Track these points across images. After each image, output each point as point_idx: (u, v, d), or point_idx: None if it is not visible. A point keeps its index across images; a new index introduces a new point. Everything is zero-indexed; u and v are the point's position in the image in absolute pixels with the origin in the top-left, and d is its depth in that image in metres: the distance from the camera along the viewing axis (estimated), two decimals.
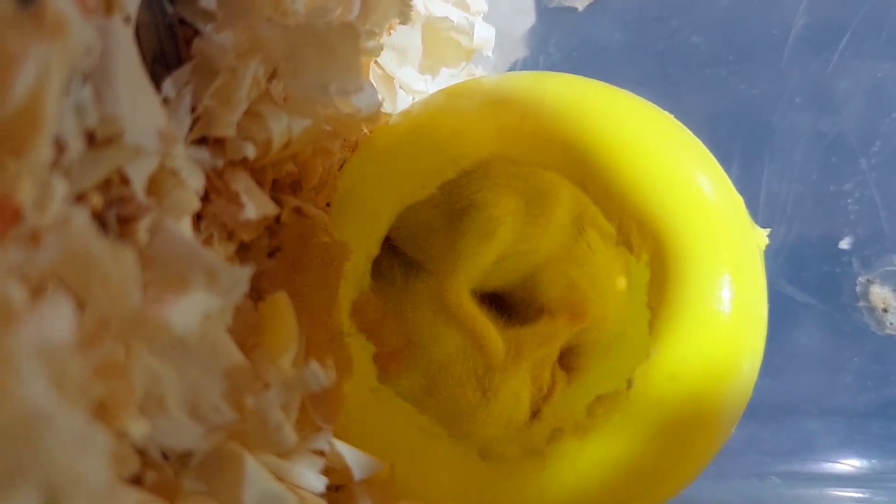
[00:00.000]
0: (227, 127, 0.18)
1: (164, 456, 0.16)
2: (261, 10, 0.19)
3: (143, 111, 0.14)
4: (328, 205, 0.23)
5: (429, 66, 0.26)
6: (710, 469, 0.31)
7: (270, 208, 0.20)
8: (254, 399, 0.18)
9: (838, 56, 0.31)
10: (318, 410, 0.21)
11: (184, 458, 0.17)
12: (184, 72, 0.17)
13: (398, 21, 0.24)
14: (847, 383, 0.31)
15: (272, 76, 0.20)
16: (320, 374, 0.19)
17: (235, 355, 0.18)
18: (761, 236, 0.25)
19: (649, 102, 0.24)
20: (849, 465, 0.31)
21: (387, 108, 0.25)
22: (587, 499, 0.20)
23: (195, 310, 0.14)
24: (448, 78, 0.28)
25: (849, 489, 0.31)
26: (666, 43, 0.32)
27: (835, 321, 0.31)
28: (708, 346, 0.21)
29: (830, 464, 0.31)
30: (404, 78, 0.26)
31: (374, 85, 0.24)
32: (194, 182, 0.18)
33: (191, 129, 0.19)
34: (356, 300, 0.21)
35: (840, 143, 0.31)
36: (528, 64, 0.32)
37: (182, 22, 0.18)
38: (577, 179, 0.21)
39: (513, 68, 0.32)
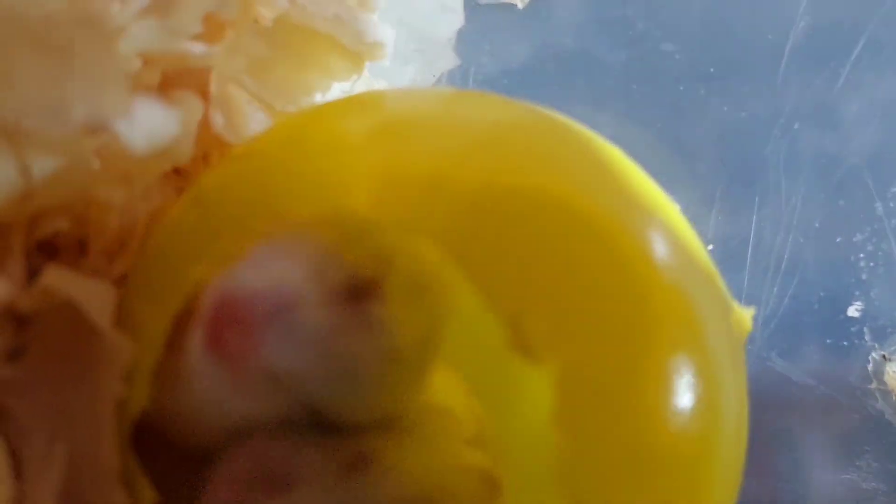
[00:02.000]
0: None
1: None
2: None
3: None
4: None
5: (304, 81, 0.21)
6: None
7: None
8: None
9: (849, 69, 0.28)
10: None
11: None
12: None
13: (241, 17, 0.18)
14: (853, 485, 0.28)
15: None
16: None
17: None
18: (743, 320, 0.20)
19: (592, 134, 0.19)
20: None
21: (239, 136, 0.19)
22: None
23: None
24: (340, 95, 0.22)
25: None
26: (630, 51, 0.28)
27: (841, 407, 0.28)
28: (652, 483, 0.16)
29: None
30: (268, 96, 0.20)
31: (207, 104, 0.18)
32: None
33: None
34: (140, 423, 0.15)
35: (851, 182, 0.28)
36: (455, 77, 0.28)
37: None
38: (457, 248, 0.16)
39: (437, 83, 0.28)
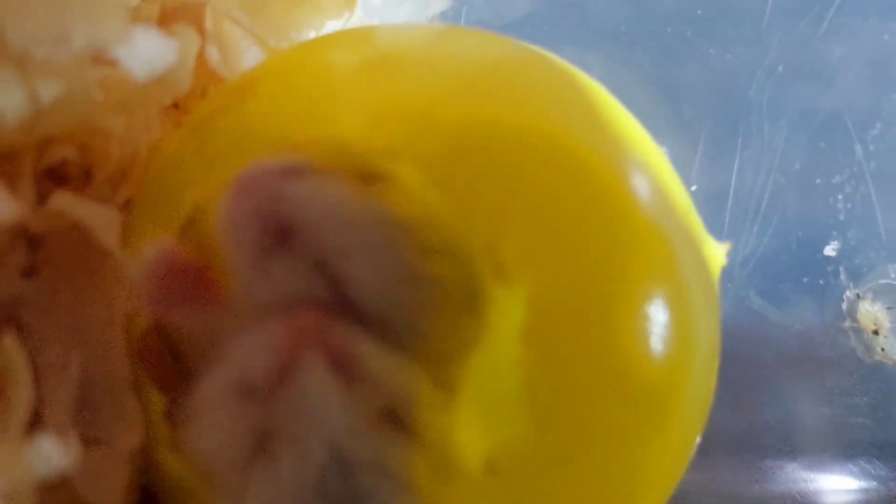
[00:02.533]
0: None
1: None
2: None
3: None
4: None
5: (296, 18, 0.21)
6: None
7: (7, 209, 0.15)
8: None
9: (833, 13, 0.28)
10: (89, 487, 0.16)
11: None
12: None
13: None
14: (826, 418, 0.28)
15: None
16: (53, 451, 0.14)
17: None
18: (718, 253, 0.20)
19: (575, 70, 0.19)
20: None
21: (233, 70, 0.20)
22: None
23: None
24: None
25: None
26: None
27: (815, 344, 0.28)
28: (617, 407, 0.17)
29: None
30: (261, 32, 0.20)
31: (201, 37, 0.18)
32: None
33: None
34: (144, 335, 0.16)
35: (831, 125, 0.28)
36: (447, 19, 0.28)
37: None
38: (438, 176, 0.16)
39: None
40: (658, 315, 0.17)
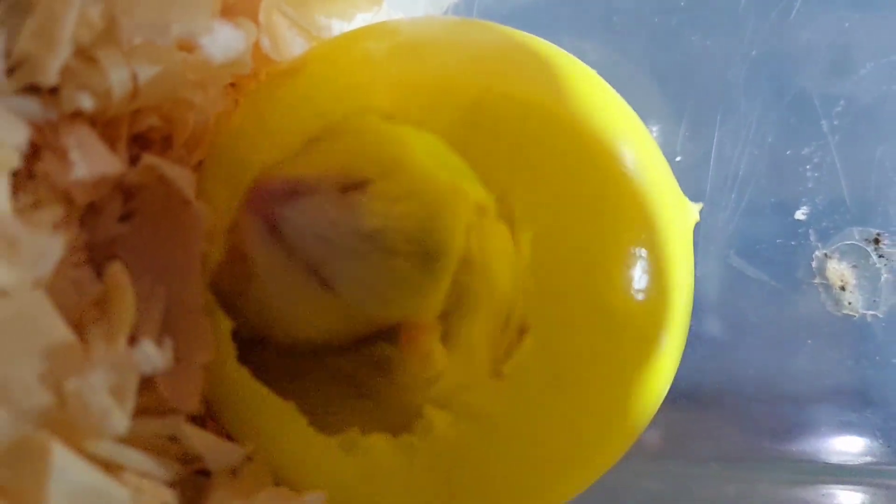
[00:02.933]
0: (47, 73, 0.16)
1: None
2: None
3: None
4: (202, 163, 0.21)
5: (336, 10, 0.24)
6: (648, 452, 0.30)
7: (112, 166, 0.18)
8: (75, 381, 0.16)
9: (800, 4, 0.29)
10: (172, 392, 0.19)
11: None
12: None
13: None
14: (799, 367, 0.30)
15: None
16: (153, 353, 0.17)
17: (60, 332, 0.16)
18: (691, 211, 0.23)
19: (569, 55, 0.22)
20: (796, 453, 0.29)
21: (283, 55, 0.23)
22: (460, 498, 0.19)
23: None
24: (362, 25, 0.25)
25: (795, 476, 0.29)
26: None
27: (788, 299, 0.29)
28: (606, 337, 0.19)
29: (776, 451, 0.30)
30: (306, 22, 0.23)
31: (259, 27, 0.21)
32: (13, 136, 0.16)
33: (10, 75, 0.17)
34: (215, 270, 0.19)
35: (800, 103, 0.29)
36: (460, 9, 0.29)
37: None
38: (459, 141, 0.18)
39: (445, 14, 0.30)
40: (640, 258, 0.20)
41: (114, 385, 0.17)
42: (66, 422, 0.16)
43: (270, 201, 0.18)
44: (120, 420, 0.17)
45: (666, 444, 0.30)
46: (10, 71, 0.17)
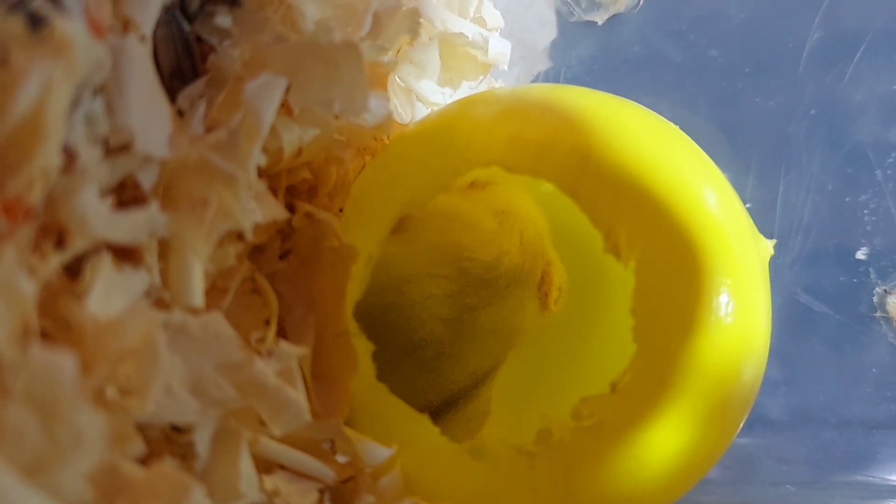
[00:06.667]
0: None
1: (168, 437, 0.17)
2: (273, 27, 0.20)
3: (154, 122, 0.16)
4: (342, 210, 0.24)
5: (447, 80, 0.27)
6: (725, 475, 0.32)
7: (280, 213, 0.21)
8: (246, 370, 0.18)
9: (853, 69, 0.31)
10: (323, 406, 0.22)
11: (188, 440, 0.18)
12: (198, 85, 0.19)
13: (411, 37, 0.25)
14: (864, 394, 0.31)
15: (288, 90, 0.21)
16: (289, 348, 0.19)
17: (234, 341, 0.19)
18: (766, 247, 0.25)
19: (656, 114, 0.25)
20: (865, 475, 0.31)
21: (405, 118, 0.26)
22: (577, 500, 0.21)
23: None
24: (468, 91, 0.28)
25: (865, 500, 0.30)
26: (684, 56, 0.32)
27: (852, 331, 0.31)
28: (700, 352, 0.21)
29: (847, 474, 0.31)
30: (423, 91, 0.27)
31: (389, 96, 0.25)
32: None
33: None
34: (359, 301, 0.22)
35: (855, 154, 0.31)
36: (549, 76, 0.32)
37: (199, 39, 0.20)
38: (570, 187, 0.21)
39: (535, 80, 0.33)
40: (725, 286, 0.22)
41: (278, 370, 0.19)
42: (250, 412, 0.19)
43: None
44: (297, 400, 0.18)
45: (740, 465, 0.32)
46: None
